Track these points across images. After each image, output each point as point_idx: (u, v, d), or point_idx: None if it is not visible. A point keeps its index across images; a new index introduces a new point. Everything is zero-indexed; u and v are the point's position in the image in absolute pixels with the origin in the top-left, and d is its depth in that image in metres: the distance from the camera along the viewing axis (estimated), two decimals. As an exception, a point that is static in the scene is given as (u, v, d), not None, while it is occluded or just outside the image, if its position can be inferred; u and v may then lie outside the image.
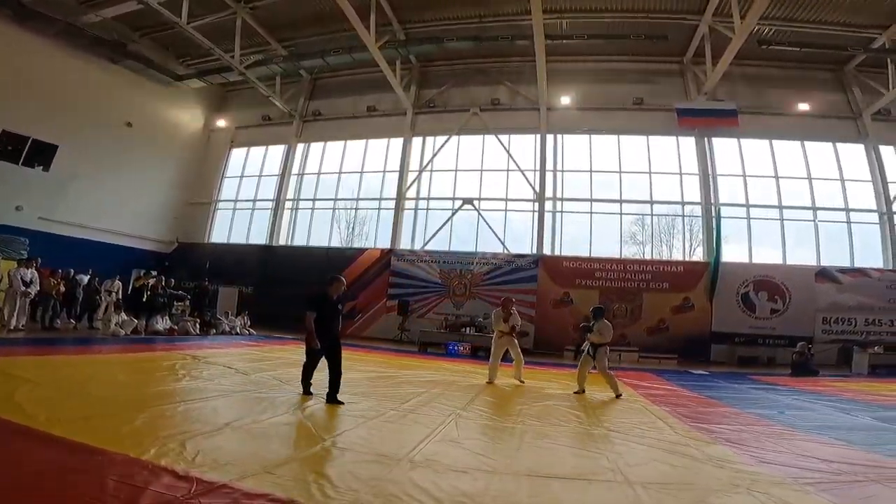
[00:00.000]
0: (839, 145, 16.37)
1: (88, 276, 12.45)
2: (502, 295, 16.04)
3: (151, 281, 12.30)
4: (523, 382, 7.61)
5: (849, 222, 15.77)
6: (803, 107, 16.49)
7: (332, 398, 4.99)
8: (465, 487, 2.80)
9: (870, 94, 16.03)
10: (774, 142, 16.67)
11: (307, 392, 5.25)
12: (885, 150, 15.93)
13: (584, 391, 6.93)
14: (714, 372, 11.69)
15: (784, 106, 16.63)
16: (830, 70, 16.85)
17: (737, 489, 3.00)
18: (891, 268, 14.83)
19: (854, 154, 16.25)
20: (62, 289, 11.12)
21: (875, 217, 15.63)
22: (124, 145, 17.86)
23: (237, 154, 21.46)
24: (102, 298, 12.31)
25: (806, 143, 16.49)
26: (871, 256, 15.34)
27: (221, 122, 21.54)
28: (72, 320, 11.73)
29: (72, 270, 12.11)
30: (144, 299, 11.65)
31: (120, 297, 12.34)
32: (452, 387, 6.91)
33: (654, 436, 4.47)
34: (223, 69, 18.19)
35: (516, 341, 7.96)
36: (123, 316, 10.89)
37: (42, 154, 15.56)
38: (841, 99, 16.71)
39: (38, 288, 10.16)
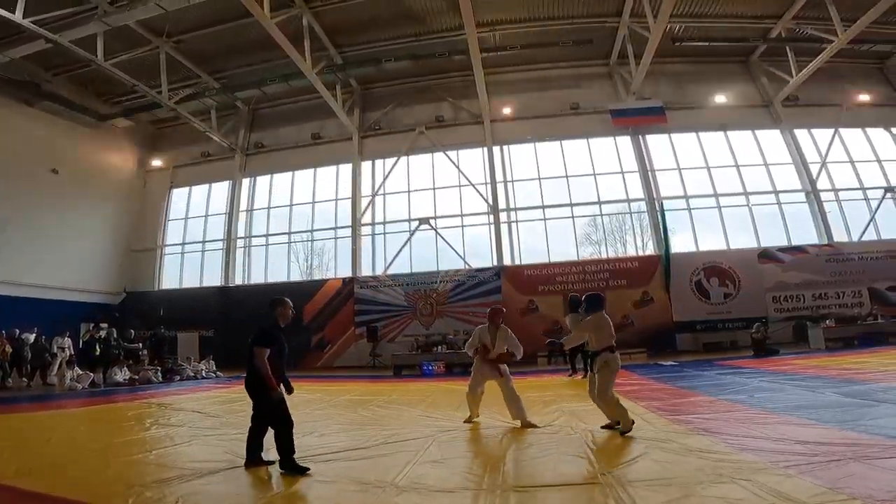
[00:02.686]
0: (758, 132, 17.56)
1: (34, 335, 12.10)
2: (469, 310, 16.35)
3: (102, 333, 11.77)
4: (534, 425, 5.02)
5: (779, 203, 16.83)
6: (720, 99, 17.65)
7: (290, 464, 3.68)
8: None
9: (776, 82, 17.37)
10: (701, 134, 17.66)
11: (256, 461, 3.87)
12: (801, 133, 17.22)
13: (619, 423, 4.54)
14: (682, 361, 12.01)
15: (704, 99, 17.75)
16: (739, 62, 18.24)
17: (721, 479, 3.04)
18: (826, 242, 15.87)
19: (773, 139, 17.46)
20: (8, 349, 10.95)
21: (802, 196, 16.78)
22: (54, 194, 16.78)
23: (179, 194, 20.59)
24: (57, 355, 12.03)
25: (729, 132, 17.55)
26: (805, 234, 16.37)
27: (157, 162, 20.65)
28: (24, 379, 11.48)
29: (17, 330, 11.77)
30: (98, 352, 11.38)
31: (72, 352, 12.19)
32: (432, 407, 6.81)
33: (634, 433, 4.50)
34: (152, 105, 17.49)
35: (506, 371, 5.39)
36: (78, 370, 10.75)
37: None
38: (752, 89, 18.01)
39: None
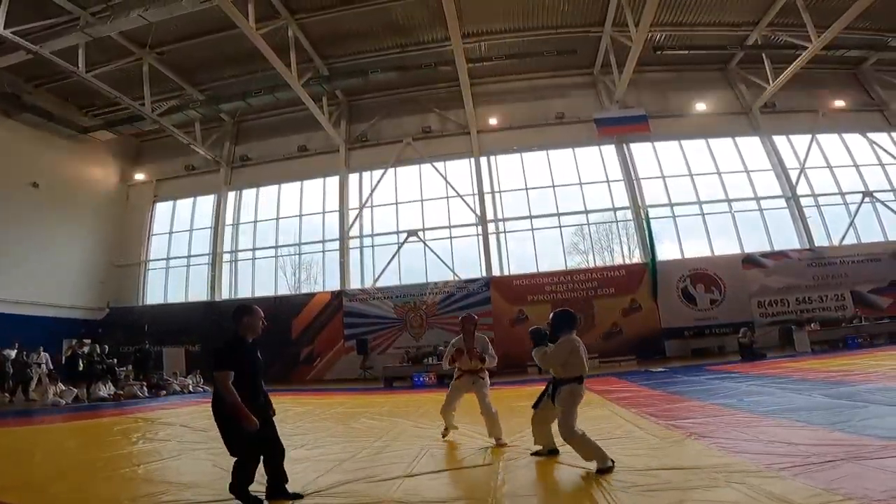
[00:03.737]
0: (738, 139, 17.90)
1: (15, 350, 12.00)
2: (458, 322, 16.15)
3: (86, 349, 11.69)
4: (505, 444, 4.68)
5: (760, 210, 17.12)
6: (701, 107, 18.00)
7: (278, 490, 3.28)
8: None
9: (754, 89, 17.79)
10: (683, 142, 17.96)
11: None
12: (779, 140, 17.61)
13: (552, 450, 4.14)
14: (672, 367, 12.08)
15: (685, 107, 18.09)
16: (718, 69, 18.64)
17: (716, 483, 3.03)
18: (807, 247, 16.15)
19: (753, 146, 17.80)
20: None
21: (783, 202, 17.10)
22: (34, 208, 16.42)
23: (162, 208, 20.32)
24: (33, 371, 11.96)
25: (710, 140, 17.89)
26: (786, 239, 16.66)
27: (140, 176, 20.38)
28: (6, 394, 11.34)
29: None
30: (81, 368, 11.30)
31: (51, 367, 12.14)
32: (424, 417, 6.72)
33: (628, 439, 4.52)
34: (134, 118, 17.24)
35: (486, 382, 5.07)
36: (61, 386, 10.65)
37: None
38: (731, 96, 18.41)
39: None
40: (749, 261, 15.99)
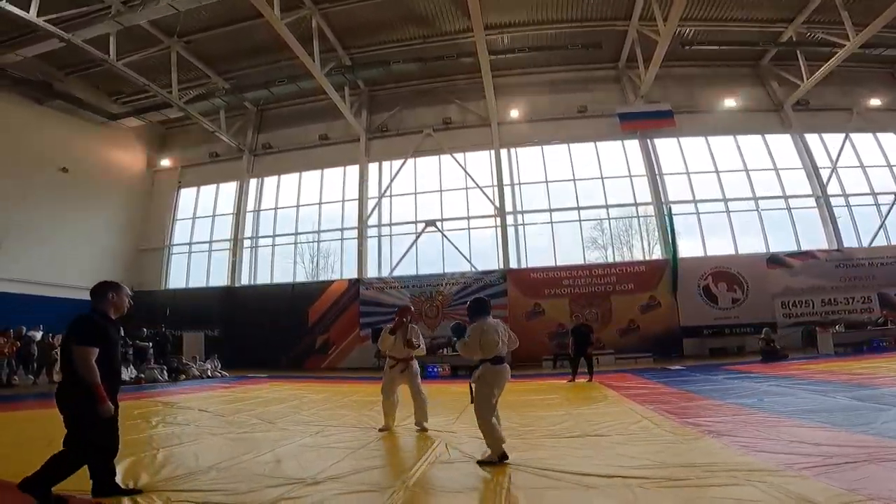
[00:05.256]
0: (768, 137, 17.45)
1: (41, 332, 12.18)
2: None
3: None
4: (426, 429, 5.08)
5: (789, 209, 16.70)
6: (730, 103, 17.57)
7: (112, 487, 2.99)
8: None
9: (787, 87, 17.30)
10: (710, 138, 17.58)
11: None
12: (811, 138, 17.11)
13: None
14: (689, 366, 11.92)
15: (714, 103, 17.66)
16: (749, 66, 18.13)
17: (734, 480, 2.99)
18: (835, 248, 15.71)
19: (783, 143, 17.33)
20: (15, 347, 11.01)
21: (812, 201, 16.63)
22: (62, 192, 16.92)
23: (187, 194, 20.71)
24: (57, 353, 11.96)
25: (738, 136, 17.47)
26: (812, 239, 16.23)
27: (166, 162, 20.80)
28: (30, 376, 11.52)
29: (24, 328, 11.87)
30: None
31: None
32: (438, 408, 6.73)
33: (644, 435, 4.48)
34: (162, 105, 17.58)
35: (416, 370, 5.40)
36: None
37: (-27, 208, 14.54)
38: (763, 93, 17.92)
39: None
40: (774, 260, 15.63)
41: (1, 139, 15.18)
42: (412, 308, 5.71)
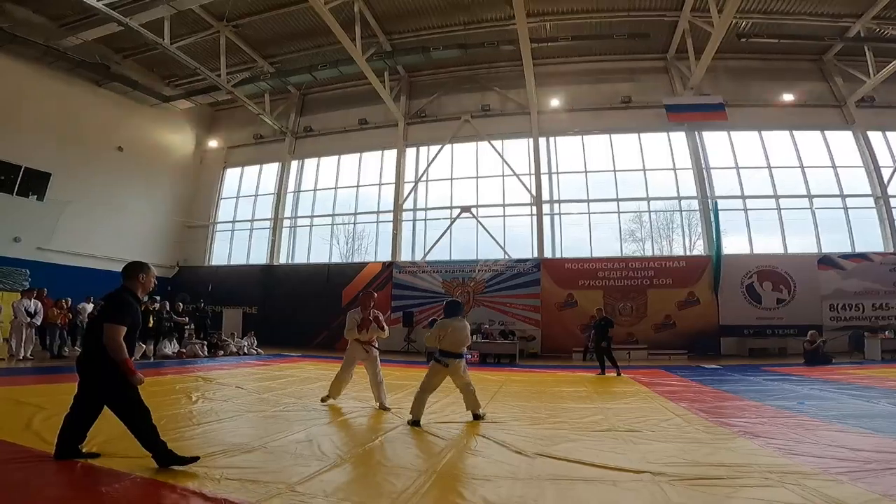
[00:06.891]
0: (828, 133, 16.51)
1: (91, 305, 12.35)
2: (506, 301, 16.32)
3: (156, 305, 12.16)
4: (388, 409, 5.51)
5: (845, 208, 15.82)
6: (788, 97, 16.68)
7: (75, 451, 3.16)
8: (490, 496, 2.74)
9: (852, 82, 16.26)
10: (764, 132, 16.77)
11: (72, 453, 3.14)
12: (874, 135, 16.06)
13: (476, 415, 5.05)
14: (726, 365, 11.59)
15: (770, 97, 16.80)
16: (811, 60, 17.08)
17: (768, 482, 2.93)
18: (891, 251, 14.84)
19: (844, 140, 16.37)
20: (67, 318, 11.26)
21: (871, 202, 15.68)
22: (117, 170, 17.85)
23: (231, 174, 21.49)
24: None
25: (795, 132, 16.60)
26: (870, 241, 15.35)
27: (213, 143, 21.58)
28: (78, 348, 11.63)
29: (70, 300, 11.98)
30: (150, 324, 11.54)
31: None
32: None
33: (675, 433, 4.41)
34: (211, 88, 18.23)
35: (376, 354, 5.74)
36: None
37: (36, 183, 15.57)
38: (824, 88, 16.90)
39: (42, 318, 10.40)
40: (825, 261, 14.89)
41: (62, 120, 16.08)
42: (375, 294, 6.07)
